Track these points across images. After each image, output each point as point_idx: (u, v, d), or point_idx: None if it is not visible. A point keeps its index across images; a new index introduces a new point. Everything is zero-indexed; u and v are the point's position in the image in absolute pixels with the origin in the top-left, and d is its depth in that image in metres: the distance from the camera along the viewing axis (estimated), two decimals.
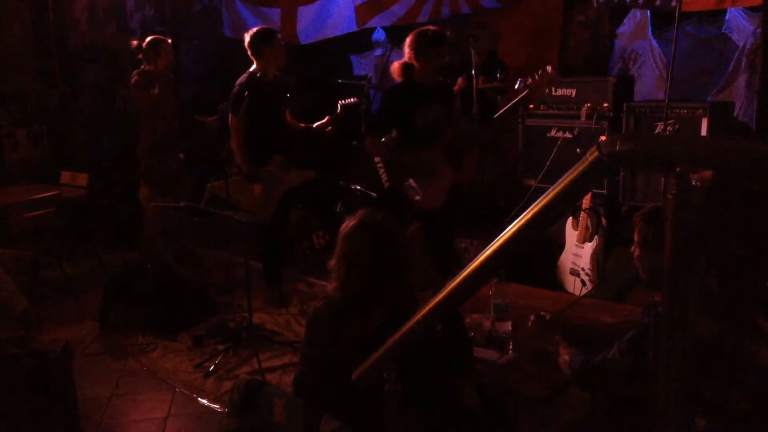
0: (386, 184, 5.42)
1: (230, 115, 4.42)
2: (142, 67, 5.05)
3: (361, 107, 5.21)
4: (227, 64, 7.42)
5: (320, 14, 7.00)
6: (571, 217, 4.25)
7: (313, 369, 2.22)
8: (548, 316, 2.48)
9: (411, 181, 3.92)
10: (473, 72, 5.28)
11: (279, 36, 4.51)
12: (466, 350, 2.22)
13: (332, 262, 2.17)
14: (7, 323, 3.51)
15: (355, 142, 5.05)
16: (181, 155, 5.14)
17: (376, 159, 5.45)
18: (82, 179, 5.46)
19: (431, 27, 3.94)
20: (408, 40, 3.89)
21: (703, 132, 4.35)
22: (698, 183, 3.44)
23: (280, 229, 4.63)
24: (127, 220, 6.03)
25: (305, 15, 7.05)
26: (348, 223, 2.17)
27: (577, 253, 4.19)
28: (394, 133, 3.99)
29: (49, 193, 5.09)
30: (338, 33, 6.90)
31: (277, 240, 4.66)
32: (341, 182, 5.16)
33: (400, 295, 2.09)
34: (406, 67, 3.90)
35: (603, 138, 1.05)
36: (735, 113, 5.39)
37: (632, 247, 2.16)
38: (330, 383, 2.10)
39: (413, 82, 3.91)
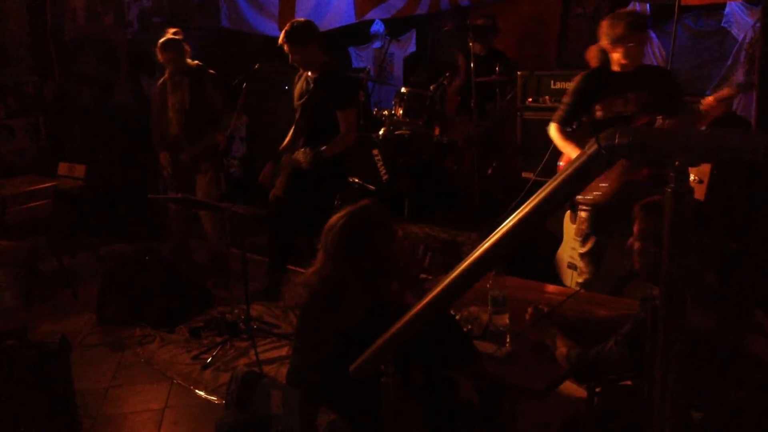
0: (384, 177, 5.43)
1: None
2: None
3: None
4: (225, 55, 7.41)
5: (319, 6, 6.98)
6: (569, 211, 4.24)
7: (303, 361, 2.23)
8: (546, 309, 2.48)
9: None
10: (471, 65, 5.27)
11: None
12: (466, 345, 2.22)
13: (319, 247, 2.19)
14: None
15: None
16: (185, 158, 4.99)
17: (374, 151, 5.45)
18: (80, 171, 5.45)
19: (628, 9, 3.68)
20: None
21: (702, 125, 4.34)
22: (697, 177, 3.42)
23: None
24: (125, 212, 6.03)
25: (303, 6, 7.03)
26: (335, 215, 2.17)
27: (575, 246, 4.19)
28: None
29: (46, 185, 5.08)
30: (337, 25, 6.88)
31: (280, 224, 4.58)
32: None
33: (378, 290, 2.09)
34: (602, 52, 3.60)
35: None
36: (734, 107, 5.39)
37: (629, 240, 2.16)
38: (321, 375, 2.11)
39: (606, 67, 3.59)
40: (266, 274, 4.69)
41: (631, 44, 3.43)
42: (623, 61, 3.48)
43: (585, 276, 3.87)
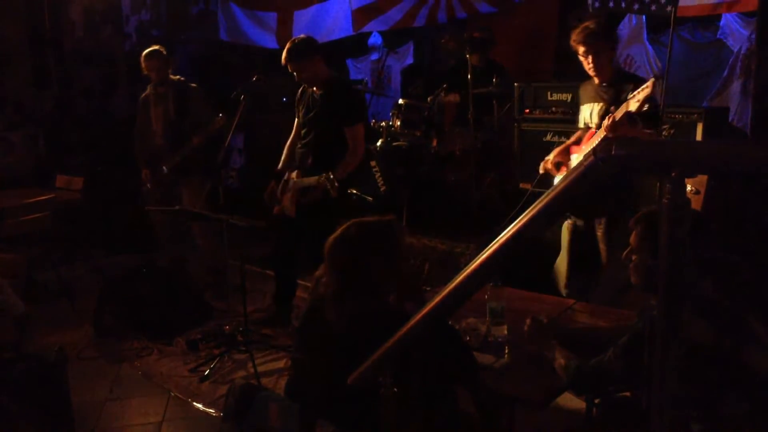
0: (382, 188, 5.44)
1: None
2: None
3: None
4: (223, 68, 7.43)
5: (316, 18, 7.01)
6: (567, 221, 4.25)
7: (302, 373, 2.22)
8: (544, 320, 2.48)
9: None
10: (469, 77, 5.29)
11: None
12: (466, 356, 2.22)
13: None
14: (3, 327, 3.50)
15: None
16: (166, 168, 5.04)
17: (372, 163, 5.46)
18: (78, 183, 5.45)
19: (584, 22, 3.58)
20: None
21: (699, 137, 4.36)
22: (694, 188, 3.41)
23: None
24: (123, 224, 6.02)
25: (301, 19, 7.06)
26: (340, 227, 2.17)
27: None
28: None
29: (44, 197, 5.08)
30: (335, 37, 6.91)
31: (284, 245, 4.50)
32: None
33: (377, 301, 2.10)
34: None
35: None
36: (730, 118, 5.40)
37: (626, 251, 2.17)
38: (319, 387, 2.10)
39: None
40: (273, 299, 4.60)
41: (581, 57, 3.50)
42: (589, 73, 3.56)
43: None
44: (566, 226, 4.15)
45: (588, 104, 3.66)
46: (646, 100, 3.16)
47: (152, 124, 5.12)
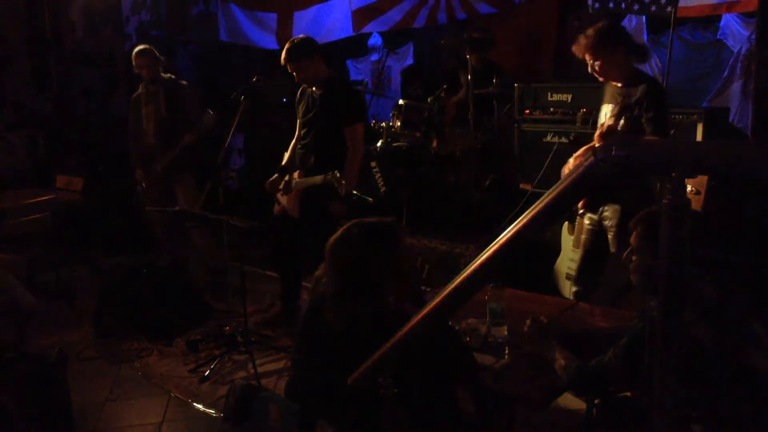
0: (382, 189, 5.44)
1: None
2: None
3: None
4: (223, 68, 7.43)
5: (316, 19, 7.01)
6: (567, 222, 4.25)
7: (302, 373, 2.22)
8: (544, 321, 2.48)
9: None
10: (469, 78, 5.29)
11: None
12: (466, 356, 2.22)
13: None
14: (3, 327, 3.50)
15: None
16: (159, 167, 5.08)
17: (372, 163, 5.46)
18: (78, 184, 5.45)
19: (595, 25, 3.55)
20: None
21: (699, 137, 4.36)
22: (694, 188, 3.41)
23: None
24: (123, 225, 6.03)
25: (301, 20, 7.06)
26: (341, 228, 2.18)
27: (573, 258, 4.19)
28: None
29: (44, 198, 5.08)
30: (334, 38, 6.91)
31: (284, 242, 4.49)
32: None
33: (377, 302, 2.10)
34: None
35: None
36: (730, 119, 5.41)
37: (626, 252, 2.17)
38: (319, 387, 2.10)
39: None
40: (281, 298, 4.58)
41: (584, 61, 3.48)
42: (598, 79, 3.55)
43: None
44: (567, 227, 4.15)
45: (606, 104, 3.62)
46: (620, 115, 3.18)
47: (143, 123, 5.15)
